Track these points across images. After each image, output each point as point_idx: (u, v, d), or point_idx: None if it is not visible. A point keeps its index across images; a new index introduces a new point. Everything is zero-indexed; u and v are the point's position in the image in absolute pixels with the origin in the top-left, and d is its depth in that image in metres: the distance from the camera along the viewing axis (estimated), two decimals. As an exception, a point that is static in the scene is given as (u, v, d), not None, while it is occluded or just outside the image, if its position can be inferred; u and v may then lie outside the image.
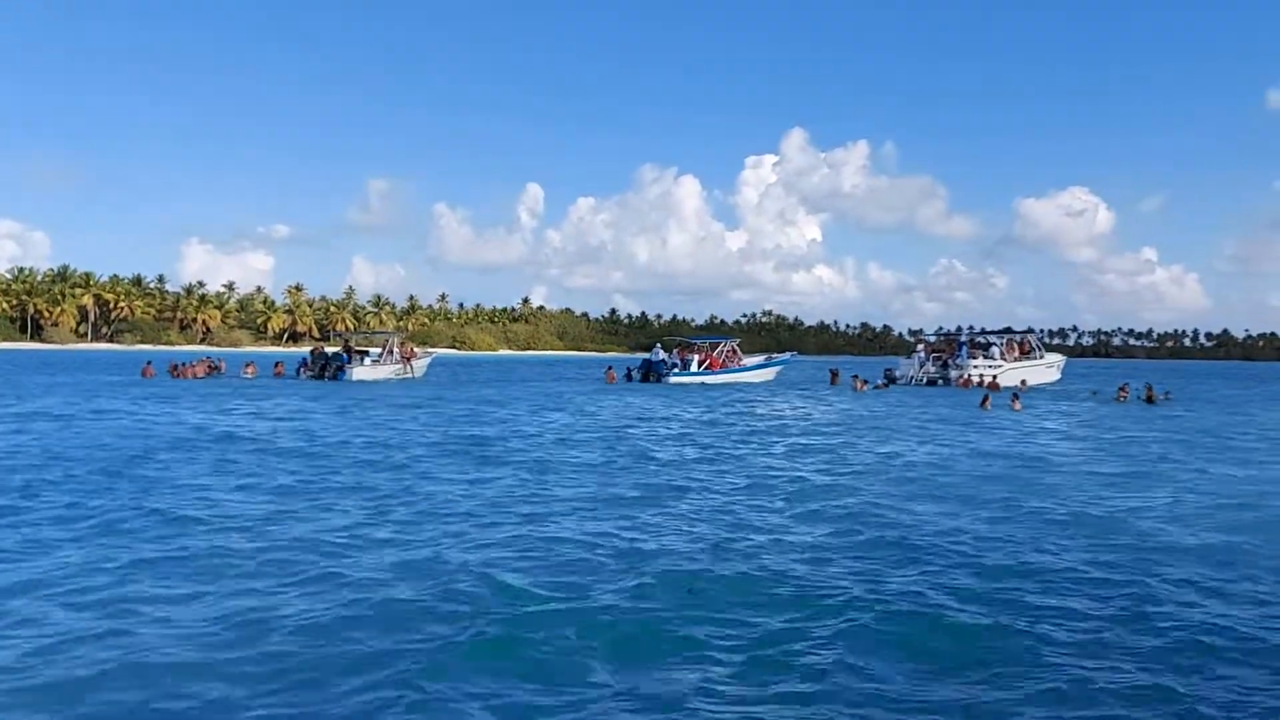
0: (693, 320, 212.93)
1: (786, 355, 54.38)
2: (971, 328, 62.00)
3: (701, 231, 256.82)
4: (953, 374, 43.85)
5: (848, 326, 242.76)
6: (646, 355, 47.94)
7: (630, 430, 19.94)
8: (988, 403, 28.76)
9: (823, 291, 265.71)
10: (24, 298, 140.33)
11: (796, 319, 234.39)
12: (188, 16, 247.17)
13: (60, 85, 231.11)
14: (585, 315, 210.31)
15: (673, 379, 42.96)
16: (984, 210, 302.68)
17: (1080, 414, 27.58)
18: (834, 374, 47.50)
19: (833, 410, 27.71)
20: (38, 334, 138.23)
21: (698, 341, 48.16)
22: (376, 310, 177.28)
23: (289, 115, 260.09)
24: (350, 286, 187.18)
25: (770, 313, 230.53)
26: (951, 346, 47.59)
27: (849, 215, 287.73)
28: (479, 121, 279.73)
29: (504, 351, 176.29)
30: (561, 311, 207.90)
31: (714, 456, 15.35)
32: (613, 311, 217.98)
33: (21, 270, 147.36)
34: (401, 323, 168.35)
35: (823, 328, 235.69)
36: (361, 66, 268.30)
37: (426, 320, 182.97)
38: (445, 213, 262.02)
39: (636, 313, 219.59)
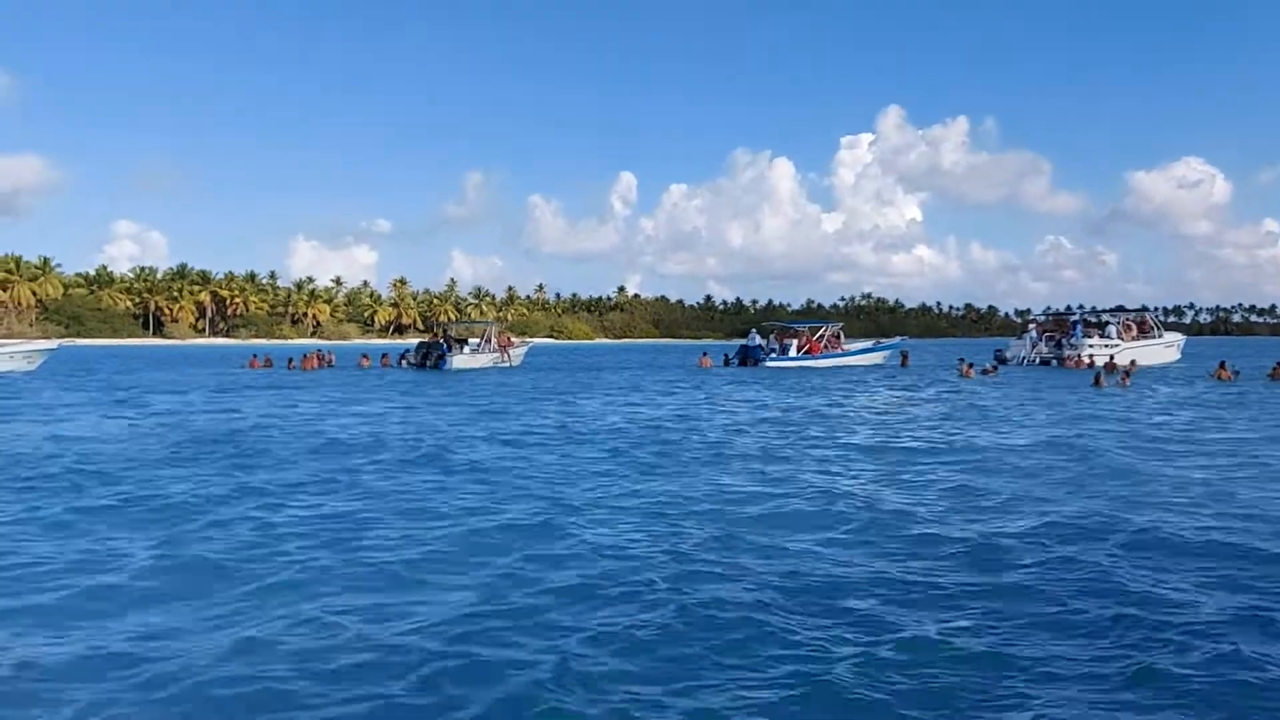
0: (789, 305, 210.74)
1: (896, 340, 52.66)
2: (1081, 307, 59.61)
3: (796, 214, 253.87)
4: (1066, 353, 42.19)
5: (951, 308, 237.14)
6: (743, 341, 47.37)
7: (733, 418, 19.60)
8: (1101, 380, 28.51)
9: (924, 272, 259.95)
10: (145, 295, 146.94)
11: (897, 301, 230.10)
12: (286, 20, 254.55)
13: (172, 90, 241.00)
14: (680, 302, 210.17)
15: (770, 364, 42.38)
16: (1091, 185, 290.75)
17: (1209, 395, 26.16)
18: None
19: (936, 398, 26.82)
20: (159, 330, 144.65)
21: (797, 326, 47.37)
22: (477, 301, 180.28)
23: (388, 113, 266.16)
24: (451, 279, 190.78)
25: (869, 295, 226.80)
26: (1064, 326, 45.84)
27: (949, 193, 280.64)
28: (570, 112, 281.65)
29: (600, 340, 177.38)
30: (656, 299, 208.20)
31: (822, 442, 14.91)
32: (708, 298, 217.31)
33: (143, 269, 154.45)
34: (501, 313, 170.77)
35: (925, 310, 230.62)
36: (455, 62, 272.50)
37: (525, 310, 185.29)
38: (539, 204, 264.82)
39: (731, 298, 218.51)
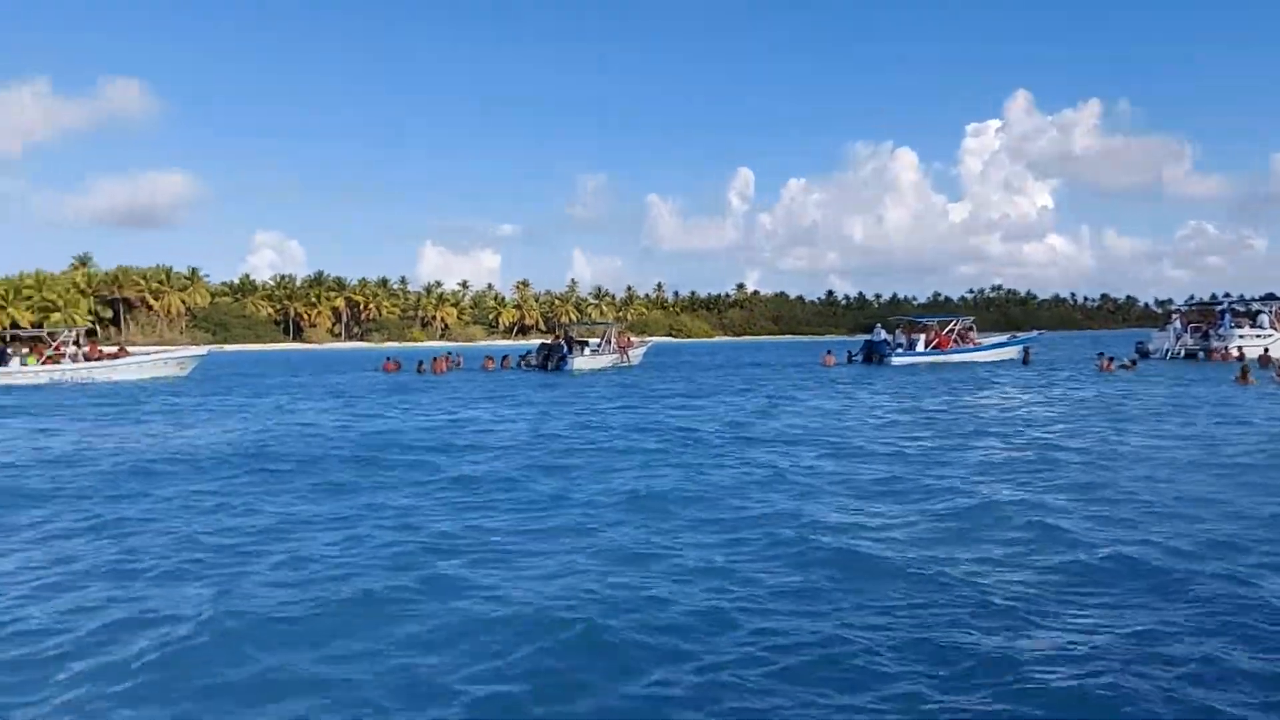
0: (914, 299, 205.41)
1: (1031, 333, 50.32)
2: (1228, 295, 56.21)
3: (920, 205, 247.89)
4: (1214, 345, 39.89)
5: (1086, 299, 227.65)
6: (867, 336, 46.30)
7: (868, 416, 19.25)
8: (1248, 376, 26.17)
9: (1056, 262, 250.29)
10: (285, 302, 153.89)
11: (1029, 292, 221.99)
12: (411, 34, 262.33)
13: (306, 105, 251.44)
14: (800, 298, 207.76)
15: (896, 360, 41.34)
16: (1236, 166, 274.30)
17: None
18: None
19: (1071, 396, 25.71)
20: (298, 335, 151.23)
21: (925, 320, 46.13)
22: (597, 302, 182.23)
23: (510, 121, 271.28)
24: (572, 279, 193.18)
25: (999, 287, 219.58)
26: (1210, 316, 43.37)
27: (1082, 179, 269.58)
28: (686, 111, 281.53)
29: (720, 338, 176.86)
30: (776, 295, 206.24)
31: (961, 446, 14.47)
32: (829, 293, 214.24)
33: (282, 277, 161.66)
34: (621, 313, 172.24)
35: (1058, 301, 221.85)
36: (573, 69, 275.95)
37: (644, 309, 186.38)
38: (657, 203, 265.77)
39: (853, 293, 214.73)
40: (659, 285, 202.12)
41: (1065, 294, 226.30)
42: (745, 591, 6.28)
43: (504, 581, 6.58)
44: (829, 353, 46.03)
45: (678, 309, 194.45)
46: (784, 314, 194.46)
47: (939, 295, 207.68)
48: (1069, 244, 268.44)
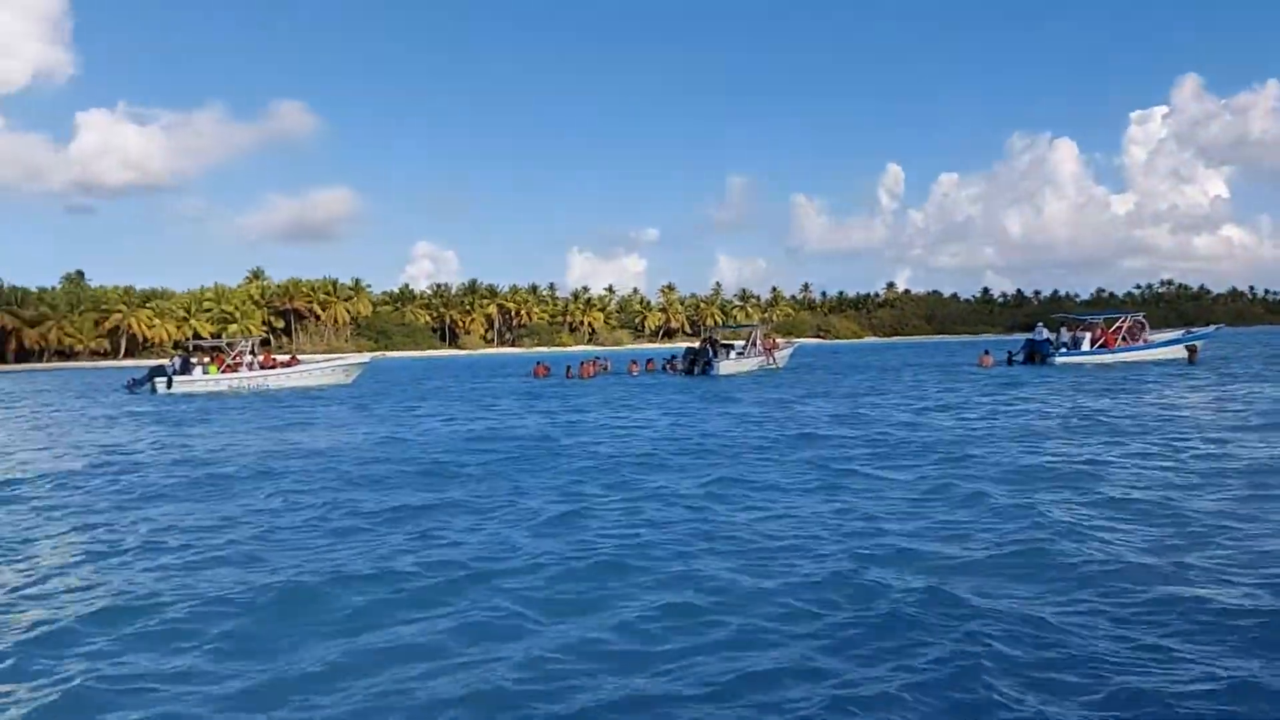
0: (1076, 295, 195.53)
1: (1209, 328, 46.85)
2: None
3: (1081, 197, 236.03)
4: None
5: (1268, 292, 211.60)
6: (1028, 335, 44.22)
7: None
8: None
9: (1233, 254, 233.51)
10: (442, 310, 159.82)
11: (1202, 287, 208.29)
12: (553, 50, 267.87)
13: (457, 119, 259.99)
14: (954, 296, 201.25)
15: (1060, 360, 39.36)
16: None
17: None
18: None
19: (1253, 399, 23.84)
20: (454, 341, 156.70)
21: (1090, 318, 43.79)
22: (742, 304, 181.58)
23: (650, 124, 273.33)
24: (717, 282, 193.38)
25: (1169, 282, 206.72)
26: None
27: (1261, 166, 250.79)
28: (831, 108, 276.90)
29: (869, 338, 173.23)
30: (928, 294, 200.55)
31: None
32: (985, 290, 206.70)
33: (439, 286, 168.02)
34: (766, 314, 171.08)
35: (1235, 295, 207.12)
36: (713, 71, 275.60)
37: (790, 310, 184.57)
38: (803, 202, 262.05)
39: (1011, 290, 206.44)
40: (805, 286, 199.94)
41: (1244, 287, 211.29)
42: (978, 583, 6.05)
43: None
44: (986, 352, 44.26)
45: (825, 310, 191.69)
46: (937, 313, 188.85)
47: (1103, 291, 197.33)
48: (1247, 235, 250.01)
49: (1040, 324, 43.83)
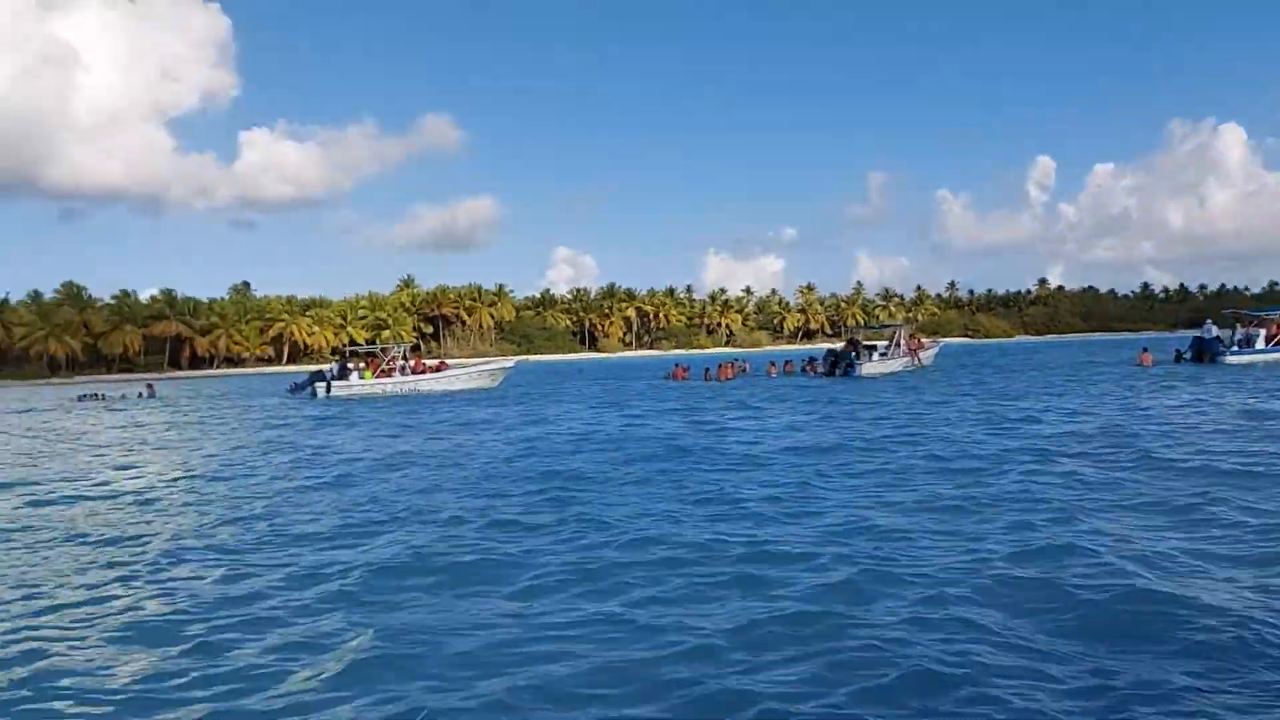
0: (1247, 289, 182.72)
1: None
2: None
3: (1252, 185, 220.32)
4: None
5: None
6: (1196, 332, 41.62)
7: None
8: None
9: None
10: (581, 314, 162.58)
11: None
12: (680, 50, 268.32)
13: (593, 126, 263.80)
14: (1111, 292, 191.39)
15: (1231, 358, 36.92)
16: None
17: None
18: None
19: None
20: (593, 344, 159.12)
21: (1266, 313, 40.87)
22: (885, 303, 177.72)
23: (786, 123, 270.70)
24: (858, 281, 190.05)
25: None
26: None
27: None
28: (974, 101, 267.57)
29: (1020, 337, 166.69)
30: (1082, 290, 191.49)
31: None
32: (1144, 286, 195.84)
33: (578, 290, 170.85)
34: (910, 313, 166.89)
35: None
36: (850, 63, 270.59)
37: (936, 309, 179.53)
38: (947, 198, 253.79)
39: (1173, 285, 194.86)
40: (952, 284, 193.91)
41: None
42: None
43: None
44: (1145, 350, 41.96)
45: (973, 308, 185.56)
46: (1092, 310, 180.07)
47: (1276, 284, 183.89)
48: None
49: (1209, 320, 41.22)
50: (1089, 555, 7.24)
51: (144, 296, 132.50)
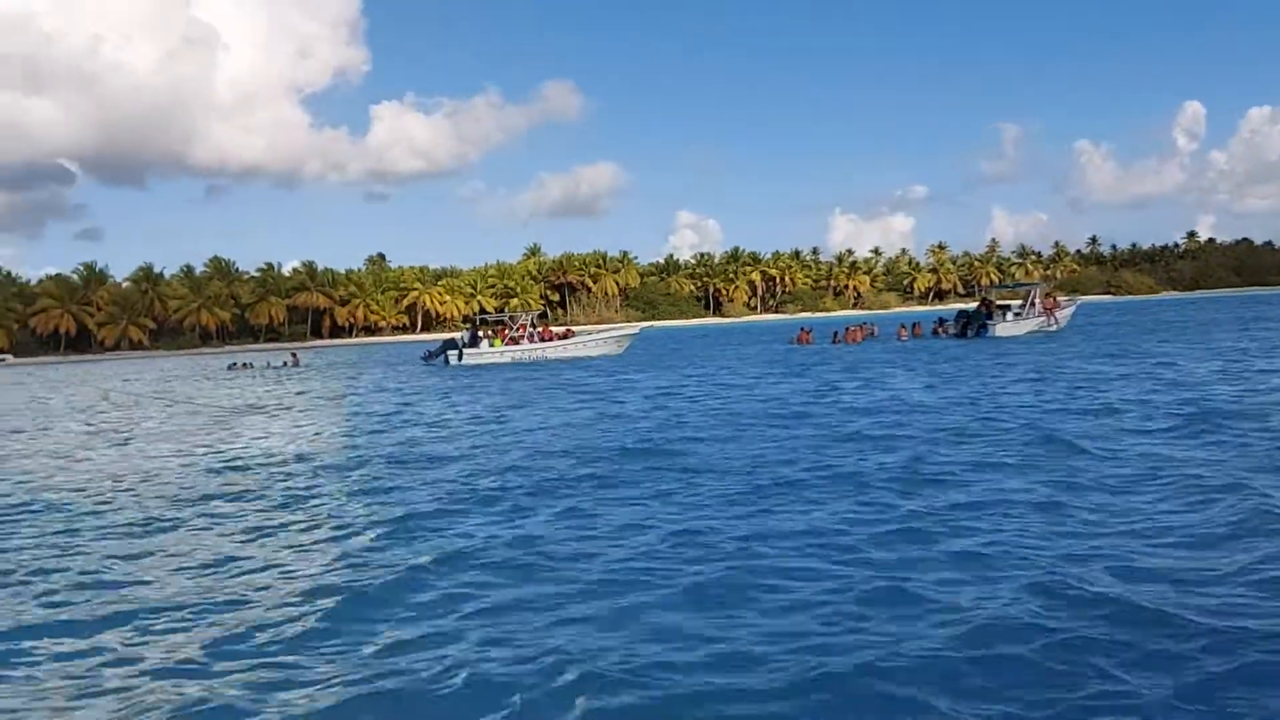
0: None
1: None
2: None
3: None
4: None
5: None
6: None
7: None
8: None
9: None
10: (705, 279, 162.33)
11: None
12: (797, 6, 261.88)
13: (713, 88, 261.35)
14: (1268, 244, 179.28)
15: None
16: None
17: None
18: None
19: None
20: (717, 309, 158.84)
21: None
22: (1021, 261, 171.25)
23: (912, 77, 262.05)
24: (992, 239, 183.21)
25: None
26: None
27: None
28: (1114, 48, 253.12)
29: (1166, 294, 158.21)
30: (1236, 243, 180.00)
31: None
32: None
33: (702, 255, 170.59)
34: (1049, 271, 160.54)
35: None
36: (978, 12, 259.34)
37: (1076, 266, 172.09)
38: (1087, 149, 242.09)
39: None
40: (1093, 239, 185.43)
41: None
42: None
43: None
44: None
45: (1115, 264, 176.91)
46: (1246, 263, 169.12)
47: None
48: None
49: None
50: None
51: (286, 269, 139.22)
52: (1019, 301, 43.10)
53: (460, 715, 4.35)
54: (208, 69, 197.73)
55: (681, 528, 7.66)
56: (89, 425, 21.02)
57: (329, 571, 6.88)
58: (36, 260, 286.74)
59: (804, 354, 36.43)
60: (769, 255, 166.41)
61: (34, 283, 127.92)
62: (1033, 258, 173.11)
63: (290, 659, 5.12)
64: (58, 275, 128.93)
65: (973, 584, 5.87)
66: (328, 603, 6.03)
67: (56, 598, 6.52)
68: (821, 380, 22.62)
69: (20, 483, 12.19)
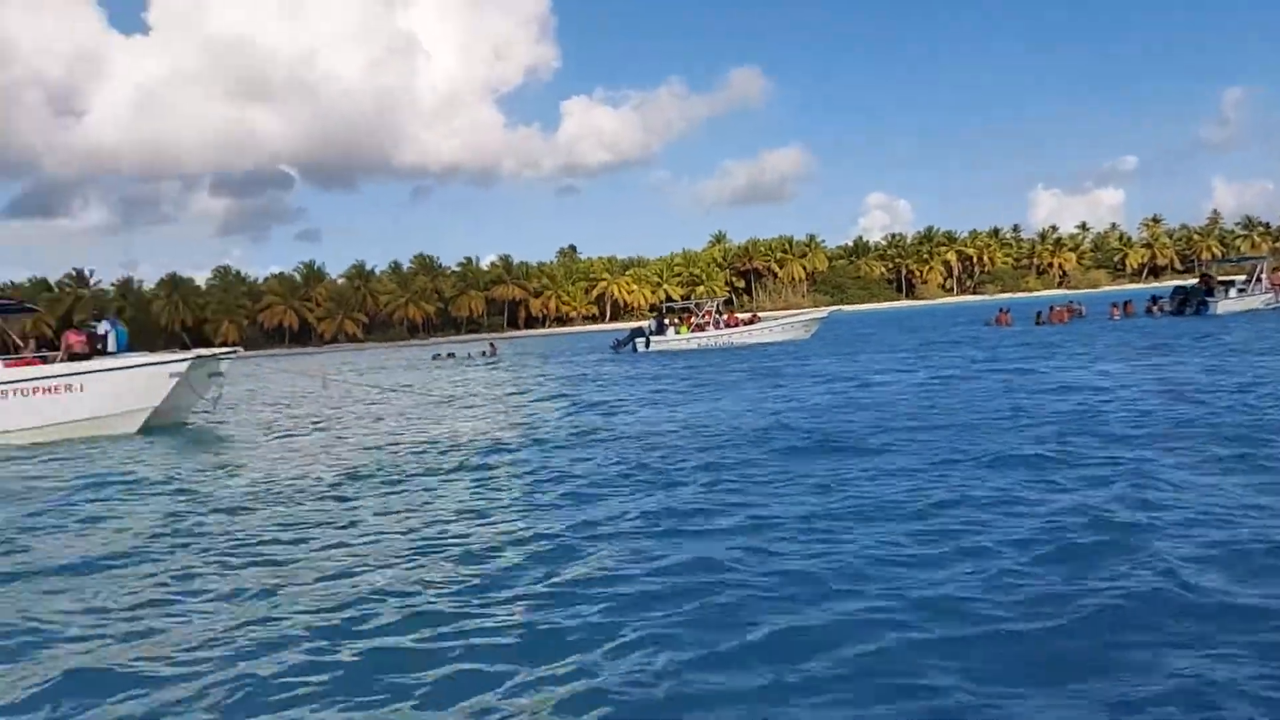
0: None
1: None
2: None
3: None
4: None
5: None
6: None
7: None
8: None
9: None
10: (897, 260, 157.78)
11: None
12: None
13: (901, 66, 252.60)
14: None
15: None
16: None
17: None
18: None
19: None
20: (910, 292, 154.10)
21: None
22: (1246, 233, 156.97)
23: (1119, 41, 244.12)
24: (1214, 210, 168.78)
25: None
26: None
27: None
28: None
29: None
30: None
31: None
32: None
33: (893, 236, 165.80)
34: (1278, 244, 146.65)
35: None
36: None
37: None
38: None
39: None
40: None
41: None
42: None
43: None
44: None
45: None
46: None
47: None
48: None
49: None
50: None
51: (484, 263, 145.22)
52: (1243, 276, 39.82)
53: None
54: (410, 76, 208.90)
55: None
56: (323, 409, 22.68)
57: (568, 529, 7.18)
58: (263, 260, 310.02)
59: (1002, 336, 34.84)
60: (966, 234, 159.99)
61: (260, 281, 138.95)
62: (1259, 229, 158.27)
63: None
64: (281, 274, 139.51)
65: None
66: (573, 569, 6.30)
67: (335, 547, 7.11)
68: (1034, 363, 21.58)
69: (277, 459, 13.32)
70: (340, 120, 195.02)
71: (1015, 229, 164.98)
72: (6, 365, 17.80)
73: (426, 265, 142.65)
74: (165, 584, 6.71)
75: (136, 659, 5.15)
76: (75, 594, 6.60)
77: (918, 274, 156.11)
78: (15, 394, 17.32)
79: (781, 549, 6.61)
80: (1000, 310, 46.77)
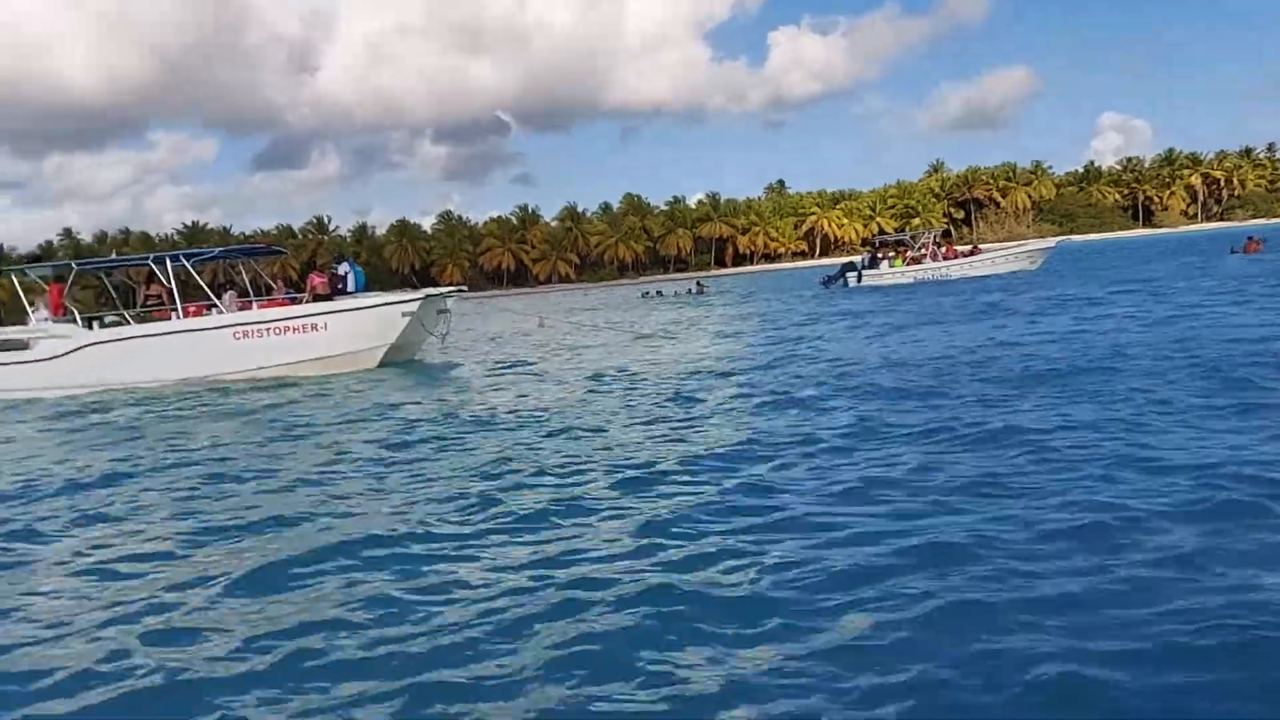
0: None
1: None
2: None
3: None
4: None
5: None
6: None
7: None
8: None
9: None
10: (1133, 186, 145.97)
11: None
12: None
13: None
14: None
15: None
16: None
17: None
18: None
19: None
20: (1148, 219, 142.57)
21: None
22: None
23: None
24: None
25: None
26: None
27: None
28: None
29: None
30: None
31: None
32: None
33: (1129, 160, 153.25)
34: None
35: None
36: None
37: None
38: None
39: None
40: None
41: None
42: None
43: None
44: None
45: None
46: None
47: None
48: None
49: None
50: None
51: (691, 201, 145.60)
52: None
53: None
54: (618, 17, 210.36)
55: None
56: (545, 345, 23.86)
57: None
58: (483, 205, 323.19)
59: (1250, 266, 31.86)
60: (1211, 156, 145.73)
61: (480, 225, 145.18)
62: None
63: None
64: (499, 217, 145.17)
65: None
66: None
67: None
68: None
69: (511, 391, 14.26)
70: (552, 64, 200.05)
71: (1271, 148, 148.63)
72: (261, 306, 19.55)
73: (635, 205, 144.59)
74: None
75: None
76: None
77: (1157, 200, 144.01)
78: (270, 333, 18.46)
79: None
80: (1249, 238, 42.70)
